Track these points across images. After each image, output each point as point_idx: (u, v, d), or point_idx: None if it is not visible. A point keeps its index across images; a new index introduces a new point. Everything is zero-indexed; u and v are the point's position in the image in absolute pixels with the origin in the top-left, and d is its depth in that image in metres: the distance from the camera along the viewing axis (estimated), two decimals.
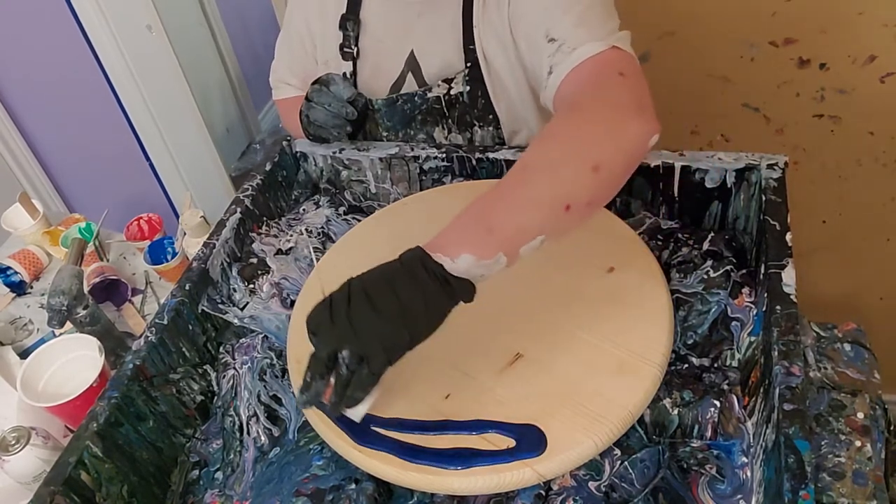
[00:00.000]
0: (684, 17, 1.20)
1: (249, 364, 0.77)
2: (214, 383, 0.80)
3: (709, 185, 0.81)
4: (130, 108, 1.92)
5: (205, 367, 0.81)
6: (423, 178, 0.94)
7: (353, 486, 0.65)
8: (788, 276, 0.65)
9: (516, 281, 0.74)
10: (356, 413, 0.60)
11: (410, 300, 0.56)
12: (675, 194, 0.83)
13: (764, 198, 0.74)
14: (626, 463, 0.62)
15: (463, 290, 0.58)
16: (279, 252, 0.89)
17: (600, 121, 0.66)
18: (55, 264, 1.31)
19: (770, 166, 0.77)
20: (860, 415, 0.68)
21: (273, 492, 0.67)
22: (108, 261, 1.29)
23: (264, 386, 0.76)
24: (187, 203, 1.34)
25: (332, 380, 0.58)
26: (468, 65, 0.92)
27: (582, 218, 0.62)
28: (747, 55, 1.22)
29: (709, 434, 0.64)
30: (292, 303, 0.82)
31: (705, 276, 0.73)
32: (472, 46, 0.91)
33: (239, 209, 0.89)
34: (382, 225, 0.87)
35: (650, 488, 0.61)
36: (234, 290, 0.85)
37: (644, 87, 0.70)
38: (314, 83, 0.92)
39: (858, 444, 0.66)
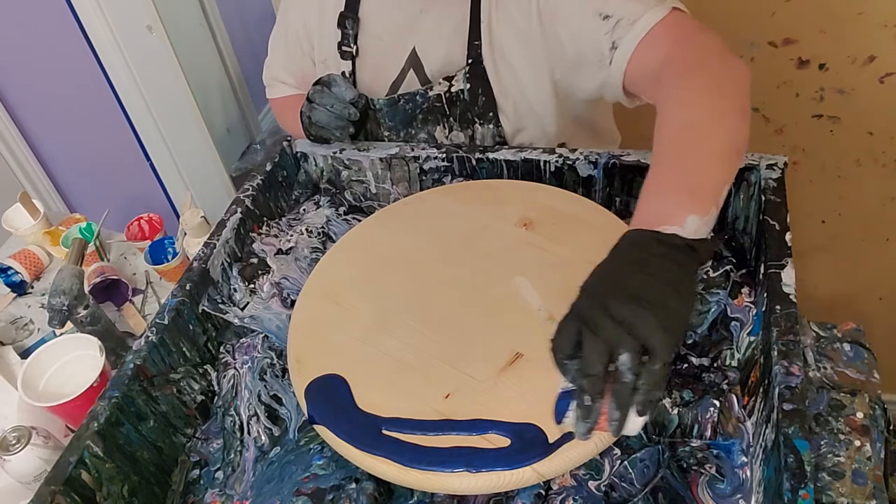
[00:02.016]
0: None
1: (250, 364, 0.77)
2: (215, 383, 0.80)
3: None
4: (131, 109, 1.92)
5: (205, 366, 0.81)
6: (423, 178, 0.94)
7: (354, 485, 0.65)
8: (788, 276, 0.65)
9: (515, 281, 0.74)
10: (637, 425, 0.54)
11: (666, 275, 0.54)
12: None
13: (763, 198, 0.75)
14: (625, 462, 0.62)
15: (705, 248, 0.58)
16: (279, 252, 0.89)
17: (718, 70, 0.71)
18: (56, 264, 1.31)
19: (769, 166, 0.77)
20: (860, 414, 0.68)
21: (273, 491, 0.67)
22: (108, 261, 1.29)
23: (265, 386, 0.76)
24: (188, 203, 1.34)
25: (608, 398, 0.53)
26: (469, 61, 0.92)
27: (742, 160, 0.68)
28: (747, 55, 1.23)
29: (708, 434, 0.64)
30: (292, 303, 0.82)
31: (705, 276, 0.74)
32: (476, 42, 0.90)
33: (239, 209, 0.89)
34: (383, 225, 0.87)
35: (650, 488, 0.61)
36: (235, 290, 0.85)
37: (718, 34, 0.75)
38: (315, 84, 0.92)
39: (858, 443, 0.66)
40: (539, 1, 0.85)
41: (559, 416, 0.58)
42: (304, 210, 0.97)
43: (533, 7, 0.86)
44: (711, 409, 0.64)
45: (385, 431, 0.63)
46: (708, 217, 0.59)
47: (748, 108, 0.68)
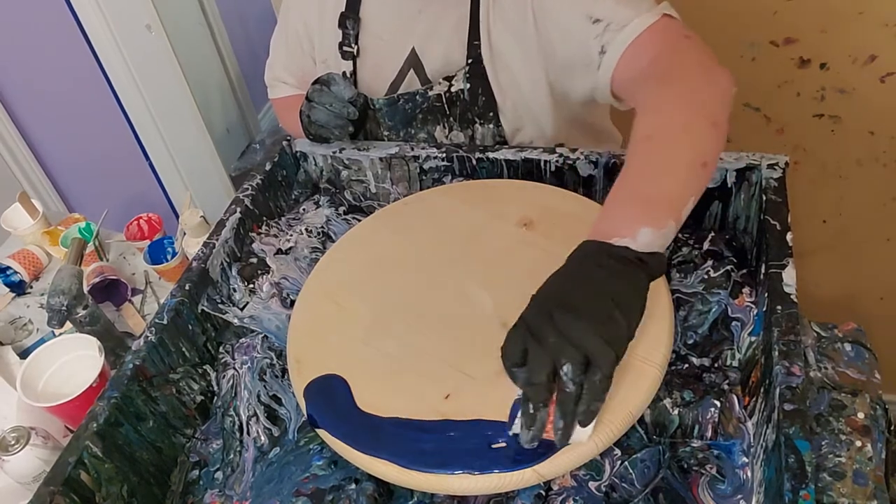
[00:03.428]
0: (685, 17, 1.19)
1: (249, 364, 0.77)
2: (214, 383, 0.79)
3: (709, 184, 0.81)
4: (130, 108, 1.92)
5: (205, 367, 0.81)
6: (423, 177, 0.94)
7: (353, 486, 0.64)
8: (789, 276, 0.65)
9: (516, 281, 0.74)
10: (584, 434, 0.55)
11: (613, 289, 0.55)
12: None
13: (764, 198, 0.74)
14: (626, 463, 0.62)
15: (656, 262, 0.58)
16: (279, 252, 0.89)
17: (698, 80, 0.69)
18: (55, 264, 1.31)
19: (770, 166, 0.77)
20: (860, 415, 0.68)
21: (273, 492, 0.67)
22: (107, 261, 1.29)
23: (264, 386, 0.76)
24: (187, 203, 1.34)
25: (552, 408, 0.54)
26: (469, 61, 0.91)
27: (712, 173, 0.65)
28: (748, 55, 1.22)
29: (709, 434, 0.64)
30: (292, 303, 0.82)
31: (706, 276, 0.73)
32: (476, 42, 0.90)
33: (239, 209, 0.89)
34: (382, 225, 0.87)
35: (650, 488, 0.61)
36: (234, 290, 0.85)
37: (706, 44, 0.74)
38: (314, 83, 0.92)
39: (859, 444, 0.66)
40: (534, 4, 0.85)
41: (510, 422, 0.58)
42: (303, 210, 0.96)
43: (528, 8, 0.86)
44: (712, 409, 0.64)
45: (385, 432, 0.63)
46: (664, 230, 0.58)
47: (723, 121, 0.66)
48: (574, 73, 0.86)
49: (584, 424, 0.54)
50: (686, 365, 0.69)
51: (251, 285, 0.85)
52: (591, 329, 0.52)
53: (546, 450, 0.58)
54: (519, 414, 0.56)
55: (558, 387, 0.54)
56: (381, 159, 0.94)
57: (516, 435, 0.57)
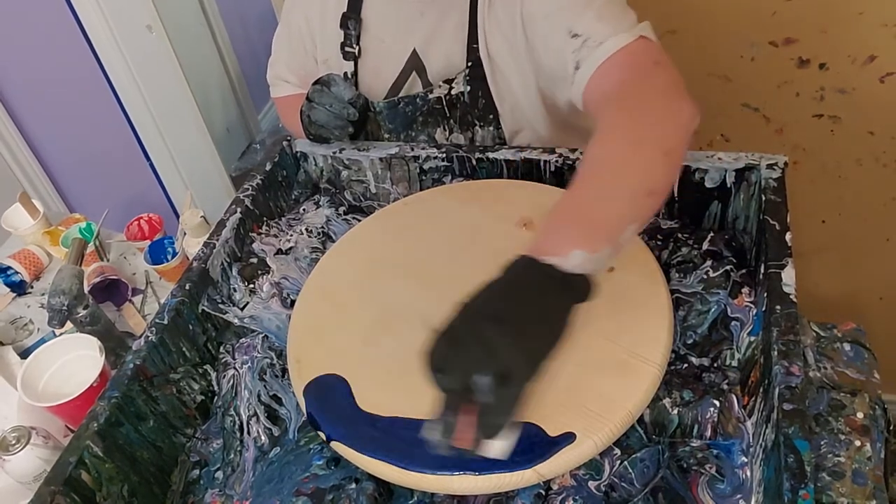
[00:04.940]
0: (685, 17, 1.20)
1: (249, 364, 0.77)
2: (215, 383, 0.80)
3: (708, 184, 0.81)
4: (130, 108, 1.92)
5: (205, 366, 0.81)
6: (423, 178, 0.94)
7: (354, 485, 0.65)
8: (788, 276, 0.65)
9: None
10: (498, 449, 0.55)
11: (535, 305, 0.55)
12: (675, 194, 0.83)
13: (764, 198, 0.74)
14: (625, 462, 0.62)
15: (579, 285, 0.57)
16: (279, 252, 0.89)
17: (657, 108, 0.68)
18: (55, 264, 1.31)
19: (770, 166, 0.77)
20: (860, 414, 0.68)
21: (273, 491, 0.67)
22: (108, 261, 1.29)
23: (264, 386, 0.76)
24: (187, 203, 1.34)
25: (467, 417, 0.54)
26: (469, 64, 0.92)
27: (659, 203, 0.64)
28: (747, 55, 1.23)
29: (708, 434, 0.64)
30: (292, 303, 0.82)
31: (705, 276, 0.73)
32: (475, 45, 0.90)
33: (239, 209, 0.89)
34: (382, 225, 0.87)
35: (650, 488, 0.61)
36: (235, 290, 0.85)
37: (677, 72, 0.73)
38: (315, 83, 0.92)
39: (858, 443, 0.66)
40: (522, 11, 0.86)
41: (426, 425, 0.57)
42: (303, 210, 0.97)
43: (517, 16, 0.86)
44: (711, 409, 0.64)
45: (385, 432, 0.63)
46: (598, 255, 0.58)
47: (679, 151, 0.65)
48: (556, 83, 0.86)
49: (486, 437, 0.54)
50: (685, 365, 0.69)
51: (251, 285, 0.85)
52: (510, 342, 0.53)
53: (546, 450, 0.58)
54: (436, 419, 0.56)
55: (473, 396, 0.53)
56: (381, 159, 0.94)
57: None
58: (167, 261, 1.21)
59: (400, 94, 0.99)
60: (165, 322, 0.76)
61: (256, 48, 2.78)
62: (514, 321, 0.54)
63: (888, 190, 1.32)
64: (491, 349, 0.52)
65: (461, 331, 0.54)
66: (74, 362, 0.97)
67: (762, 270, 0.70)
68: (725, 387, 0.66)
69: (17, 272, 1.25)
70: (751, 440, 0.63)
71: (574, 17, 0.80)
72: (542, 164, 0.87)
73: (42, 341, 1.12)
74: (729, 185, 0.80)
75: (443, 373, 0.54)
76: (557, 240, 0.58)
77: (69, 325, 1.03)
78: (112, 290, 1.20)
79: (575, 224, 0.60)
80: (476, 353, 0.53)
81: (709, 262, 0.75)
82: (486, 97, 0.93)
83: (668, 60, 0.75)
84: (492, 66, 0.91)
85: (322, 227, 0.93)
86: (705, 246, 0.78)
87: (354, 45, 0.99)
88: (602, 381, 0.63)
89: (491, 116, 0.94)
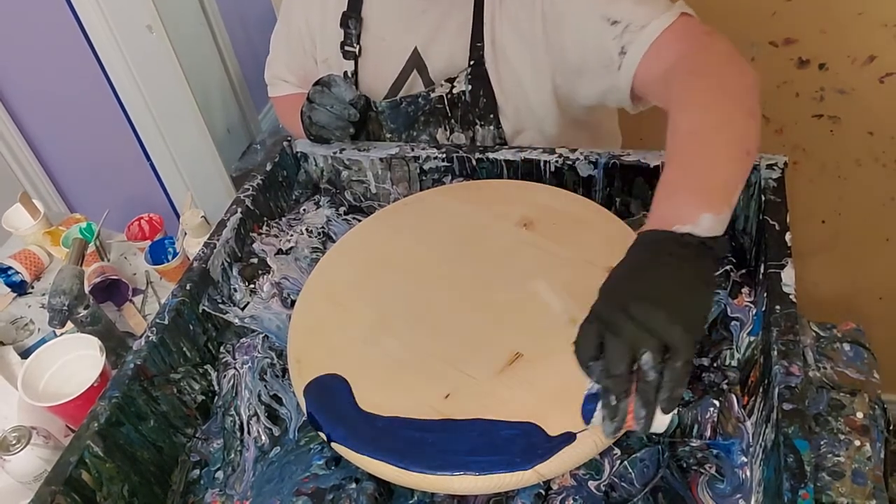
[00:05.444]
0: None
1: (250, 364, 0.77)
2: (215, 383, 0.80)
3: None
4: (131, 109, 1.92)
5: (205, 366, 0.81)
6: (423, 178, 0.94)
7: (354, 485, 0.65)
8: (788, 276, 0.65)
9: (516, 280, 0.74)
10: (667, 421, 0.55)
11: (681, 273, 0.55)
12: None
13: (763, 198, 0.75)
14: (625, 462, 0.62)
15: (720, 245, 0.58)
16: (279, 252, 0.89)
17: (728, 73, 0.71)
18: (56, 264, 1.31)
19: (769, 166, 0.77)
20: (859, 414, 0.68)
21: (273, 491, 0.67)
22: (108, 261, 1.29)
23: (265, 385, 0.76)
24: (188, 203, 1.34)
25: (633, 397, 0.54)
26: (471, 63, 0.91)
27: (754, 160, 0.67)
28: (747, 55, 1.22)
29: (708, 433, 0.64)
30: (293, 303, 0.82)
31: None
32: (479, 44, 0.90)
33: (239, 209, 0.89)
34: (382, 225, 0.87)
35: (650, 488, 0.61)
36: (235, 290, 0.85)
37: (727, 38, 0.76)
38: (315, 84, 0.92)
39: (858, 443, 0.66)
40: (544, 5, 0.85)
41: (587, 417, 0.58)
42: (304, 210, 0.97)
43: (538, 11, 0.86)
44: (711, 408, 0.64)
45: (385, 432, 0.63)
46: (722, 215, 0.59)
47: (758, 109, 0.68)
48: (587, 76, 0.86)
49: (666, 411, 0.54)
50: None
51: (252, 285, 0.85)
52: (667, 316, 0.52)
53: (546, 450, 0.58)
54: (599, 406, 0.56)
55: (638, 376, 0.53)
56: (381, 160, 0.94)
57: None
58: (167, 261, 1.21)
59: (401, 93, 0.99)
60: (166, 322, 0.76)
61: (257, 48, 2.77)
62: (667, 291, 0.54)
63: (888, 190, 1.32)
64: (650, 326, 0.52)
65: (612, 315, 0.54)
66: (75, 362, 0.97)
67: (762, 270, 0.70)
68: (725, 387, 0.66)
69: (17, 272, 1.25)
70: (750, 440, 0.63)
71: (607, 4, 0.81)
72: (542, 164, 0.87)
73: (42, 341, 1.12)
74: None
75: (602, 360, 0.54)
76: (682, 208, 0.59)
77: (70, 325, 1.03)
78: (112, 290, 1.20)
79: (693, 192, 0.61)
80: (634, 332, 0.53)
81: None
82: (487, 96, 0.93)
83: (714, 29, 0.77)
84: (499, 64, 0.91)
85: (322, 228, 0.93)
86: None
87: (355, 45, 0.99)
88: None
89: (491, 115, 0.94)
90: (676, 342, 0.52)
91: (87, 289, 1.06)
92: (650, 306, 0.53)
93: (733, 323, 0.70)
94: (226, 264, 0.86)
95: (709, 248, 0.57)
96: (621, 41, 0.80)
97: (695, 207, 0.59)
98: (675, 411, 0.54)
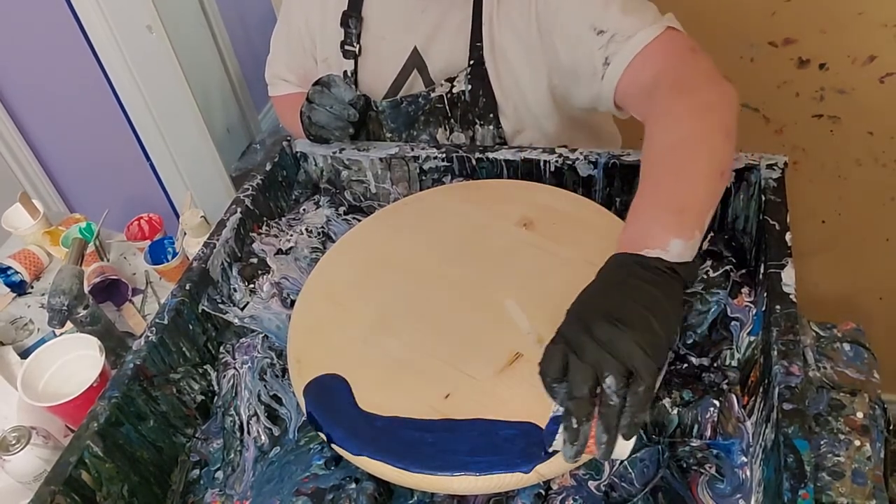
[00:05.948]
0: (684, 17, 1.19)
1: (250, 364, 0.77)
2: (215, 383, 0.80)
3: None
4: (131, 109, 1.92)
5: (205, 366, 0.81)
6: (423, 178, 0.94)
7: (354, 485, 0.65)
8: (788, 276, 0.65)
9: (516, 280, 0.74)
10: (629, 448, 0.54)
11: (650, 299, 0.55)
12: None
13: (763, 198, 0.75)
14: (625, 462, 0.62)
15: (688, 272, 0.58)
16: (279, 252, 0.89)
17: (708, 91, 0.70)
18: (55, 264, 1.31)
19: (769, 166, 0.77)
20: (859, 414, 0.68)
21: (273, 491, 0.67)
22: (108, 261, 1.29)
23: (264, 385, 0.76)
24: (187, 203, 1.34)
25: (595, 421, 0.53)
26: (471, 62, 0.92)
27: (727, 182, 0.67)
28: (747, 55, 1.23)
29: (708, 433, 0.64)
30: (292, 303, 0.82)
31: (705, 276, 0.73)
32: (479, 43, 0.90)
33: (239, 209, 0.89)
34: (382, 225, 0.87)
35: (650, 488, 0.61)
36: (235, 290, 0.85)
37: (710, 56, 0.75)
38: (315, 84, 0.92)
39: (858, 443, 0.66)
40: (538, 8, 0.85)
41: (548, 440, 0.57)
42: (303, 210, 0.97)
43: (532, 13, 0.86)
44: (711, 408, 0.64)
45: (385, 432, 0.63)
46: (692, 241, 0.59)
47: (734, 129, 0.67)
48: (578, 81, 0.86)
49: (627, 437, 0.53)
50: (685, 364, 0.69)
51: (251, 285, 0.85)
52: (630, 340, 0.52)
53: (544, 448, 0.58)
54: (560, 429, 0.55)
55: (601, 400, 0.53)
56: (381, 160, 0.94)
57: (554, 452, 0.56)
58: (167, 261, 1.21)
59: (400, 93, 0.99)
60: (165, 322, 0.76)
61: (257, 48, 2.78)
62: (632, 316, 0.53)
63: (888, 190, 1.32)
64: (615, 349, 0.52)
65: (578, 336, 0.54)
66: (74, 362, 0.97)
67: (762, 270, 0.70)
68: (725, 387, 0.66)
69: (17, 272, 1.25)
70: (750, 440, 0.63)
71: (596, 13, 0.80)
72: (542, 164, 0.87)
73: (42, 341, 1.12)
74: (729, 185, 0.80)
75: (566, 382, 0.54)
76: (653, 232, 0.59)
77: (69, 325, 1.03)
78: (112, 290, 1.20)
79: (666, 214, 0.61)
80: (597, 355, 0.52)
81: (709, 262, 0.75)
82: (486, 95, 0.93)
83: (699, 46, 0.77)
84: (497, 64, 0.91)
85: (322, 227, 0.93)
86: (705, 246, 0.78)
87: (355, 44, 0.99)
88: None
89: (491, 115, 0.94)
90: (639, 366, 0.52)
91: (86, 289, 1.06)
92: (614, 329, 0.53)
93: (733, 323, 0.70)
94: (225, 264, 0.86)
95: (676, 274, 0.57)
96: (606, 51, 0.80)
97: (666, 231, 0.59)
98: (635, 438, 0.53)
